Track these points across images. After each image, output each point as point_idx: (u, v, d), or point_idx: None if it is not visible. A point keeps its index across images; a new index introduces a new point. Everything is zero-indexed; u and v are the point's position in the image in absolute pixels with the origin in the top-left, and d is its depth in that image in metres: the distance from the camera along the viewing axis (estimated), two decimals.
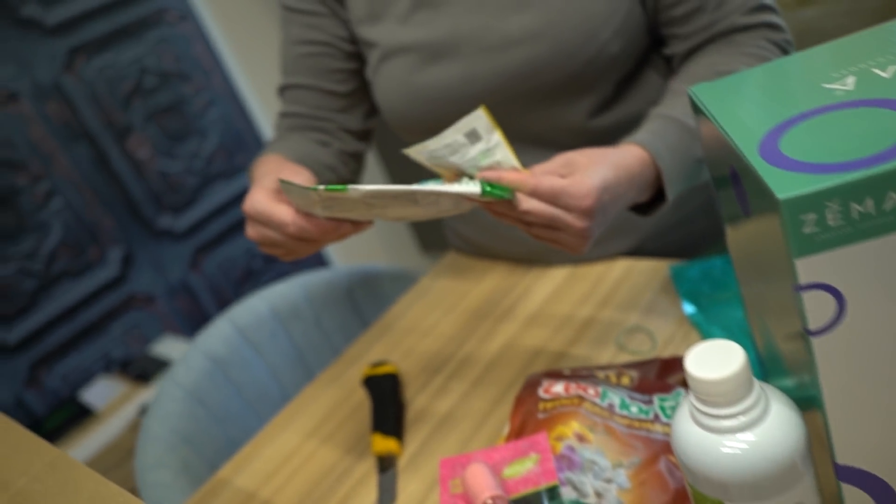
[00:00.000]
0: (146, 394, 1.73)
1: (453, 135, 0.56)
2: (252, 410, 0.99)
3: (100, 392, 1.78)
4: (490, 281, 0.90)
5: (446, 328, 0.85)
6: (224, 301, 2.09)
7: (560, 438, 0.53)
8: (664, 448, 0.52)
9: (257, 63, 2.09)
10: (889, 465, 0.37)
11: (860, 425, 0.36)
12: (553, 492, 0.50)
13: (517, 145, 0.80)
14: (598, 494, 0.50)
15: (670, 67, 0.79)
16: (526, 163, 0.80)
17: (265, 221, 0.59)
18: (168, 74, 1.93)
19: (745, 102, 0.40)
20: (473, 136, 0.56)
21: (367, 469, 0.69)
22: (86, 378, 1.83)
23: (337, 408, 0.79)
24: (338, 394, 0.81)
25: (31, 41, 1.71)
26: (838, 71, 0.39)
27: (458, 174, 0.59)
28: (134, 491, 1.57)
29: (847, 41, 0.42)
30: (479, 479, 0.48)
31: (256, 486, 0.72)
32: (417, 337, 0.85)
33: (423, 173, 0.86)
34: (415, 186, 0.52)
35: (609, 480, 0.50)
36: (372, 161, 2.33)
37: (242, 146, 2.11)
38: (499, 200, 0.55)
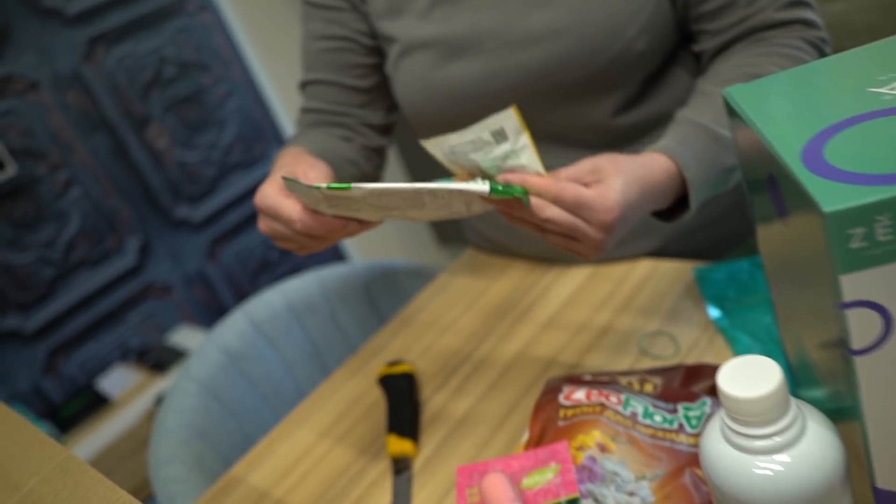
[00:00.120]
0: (162, 383, 1.73)
1: (479, 131, 0.54)
2: (267, 405, 0.99)
3: (116, 381, 1.79)
4: (509, 279, 0.89)
5: (464, 326, 0.83)
6: (240, 291, 2.10)
7: (581, 448, 0.52)
8: (689, 460, 0.50)
9: (277, 54, 2.08)
10: None
11: None
12: None
13: (539, 143, 0.78)
14: None
15: (699, 65, 0.77)
16: (548, 161, 0.78)
17: (274, 216, 0.58)
18: (187, 64, 1.93)
19: (784, 106, 0.38)
20: (500, 136, 0.54)
21: (381, 471, 0.68)
22: (103, 366, 1.84)
23: (352, 406, 0.78)
24: (354, 391, 0.80)
25: (51, 31, 1.71)
26: (886, 74, 0.37)
27: (472, 174, 0.57)
28: (147, 484, 1.58)
29: (893, 41, 0.40)
30: (498, 489, 0.46)
31: (269, 485, 0.71)
32: (435, 335, 0.84)
33: (441, 171, 0.84)
34: (420, 185, 0.50)
35: (632, 494, 0.49)
36: (392, 156, 2.32)
37: (261, 137, 2.10)
38: (511, 201, 0.54)
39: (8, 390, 1.68)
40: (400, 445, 0.68)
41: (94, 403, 1.72)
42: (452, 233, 2.42)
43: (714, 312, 0.69)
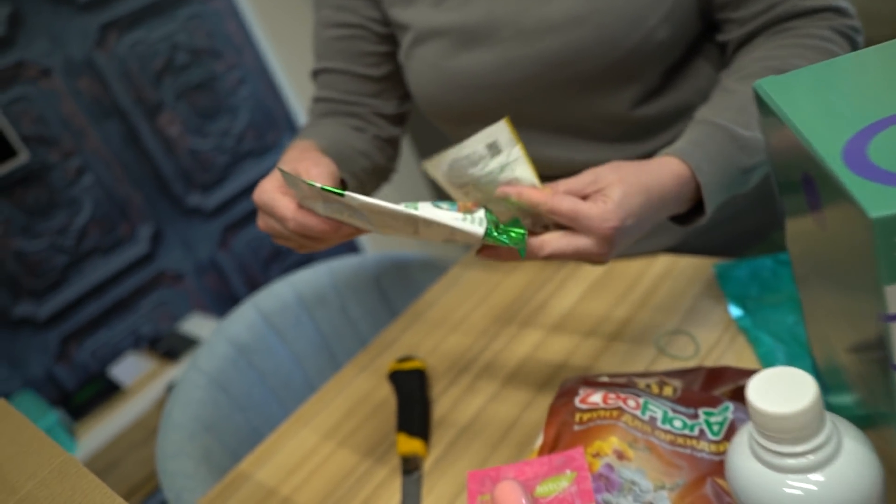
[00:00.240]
0: (174, 371, 1.73)
1: (474, 145, 0.53)
2: (275, 398, 0.97)
3: (128, 368, 1.79)
4: (523, 273, 0.86)
5: (476, 322, 0.81)
6: (252, 280, 2.09)
7: (598, 455, 0.50)
8: (711, 469, 0.48)
9: (289, 41, 2.05)
10: None
11: None
12: None
13: (555, 136, 0.75)
14: None
15: (724, 56, 0.74)
16: (565, 155, 0.76)
17: (269, 213, 0.57)
18: (199, 51, 1.91)
19: (822, 100, 0.35)
20: (494, 149, 0.53)
21: (390, 470, 0.66)
22: (115, 354, 1.84)
23: (362, 402, 0.76)
24: (363, 387, 0.78)
25: (63, 17, 1.70)
26: None
27: (477, 203, 0.54)
28: (154, 477, 1.58)
29: None
30: (511, 498, 0.45)
31: (277, 483, 0.70)
32: (446, 330, 0.82)
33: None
34: (414, 211, 0.48)
35: None
36: (405, 148, 2.29)
37: (273, 125, 2.09)
38: (503, 251, 0.53)
39: (21, 377, 1.69)
40: (410, 445, 0.66)
41: (106, 391, 1.72)
42: None
43: (735, 311, 0.67)
